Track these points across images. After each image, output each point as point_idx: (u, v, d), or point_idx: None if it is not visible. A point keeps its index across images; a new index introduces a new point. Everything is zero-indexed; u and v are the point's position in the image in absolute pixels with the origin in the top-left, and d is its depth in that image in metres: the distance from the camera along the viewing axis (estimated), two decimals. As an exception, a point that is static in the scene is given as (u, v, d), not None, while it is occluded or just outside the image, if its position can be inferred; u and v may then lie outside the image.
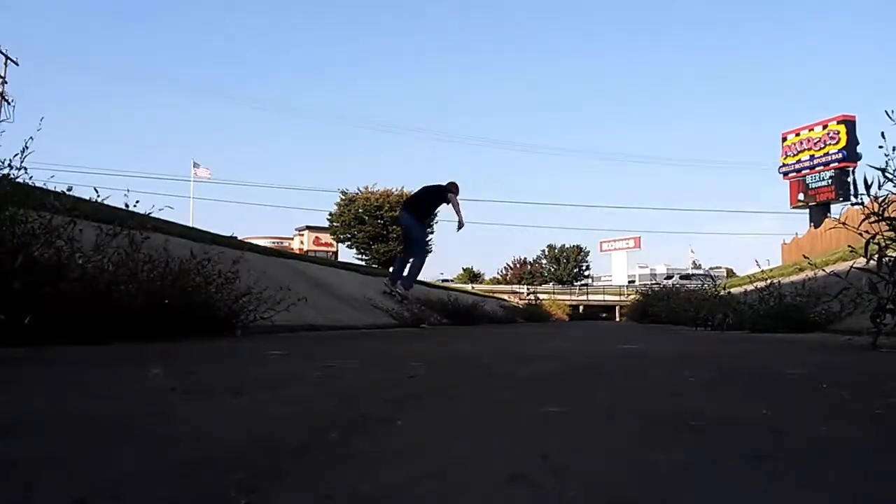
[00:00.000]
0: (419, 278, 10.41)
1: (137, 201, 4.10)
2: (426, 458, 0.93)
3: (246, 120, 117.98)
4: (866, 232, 3.19)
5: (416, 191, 9.45)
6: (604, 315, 45.35)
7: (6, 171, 3.12)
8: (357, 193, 35.06)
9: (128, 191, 4.04)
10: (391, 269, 9.87)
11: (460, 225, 8.86)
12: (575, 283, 58.68)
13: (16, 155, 3.19)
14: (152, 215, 4.15)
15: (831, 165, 34.43)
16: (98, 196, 3.83)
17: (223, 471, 0.84)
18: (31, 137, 3.25)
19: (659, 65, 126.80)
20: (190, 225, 9.53)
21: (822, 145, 35.11)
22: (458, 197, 8.95)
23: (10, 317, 2.49)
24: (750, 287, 7.94)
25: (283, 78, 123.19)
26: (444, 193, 8.91)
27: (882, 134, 3.17)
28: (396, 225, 9.80)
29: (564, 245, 65.61)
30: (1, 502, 0.71)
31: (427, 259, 9.50)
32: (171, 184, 79.44)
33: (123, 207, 4.08)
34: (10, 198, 2.94)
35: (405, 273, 8.90)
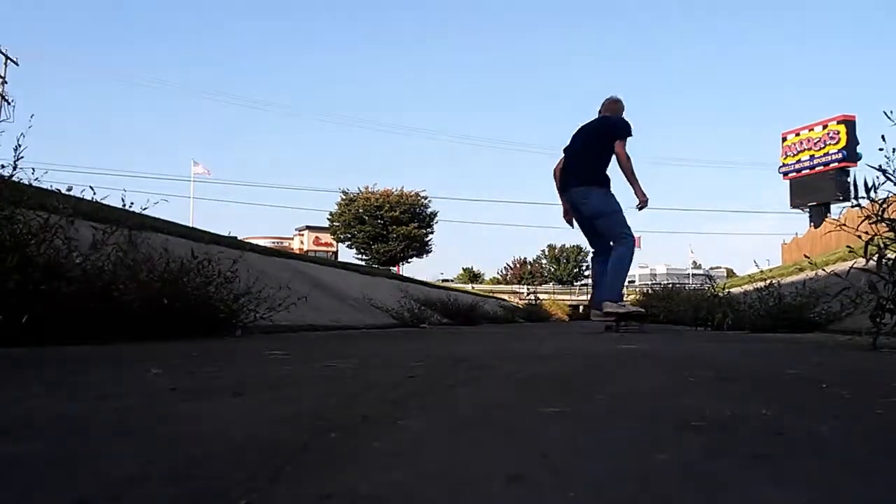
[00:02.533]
0: (423, 279, 10.11)
1: (132, 202, 4.10)
2: (426, 458, 0.93)
3: (246, 120, 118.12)
4: (865, 233, 3.19)
5: (570, 144, 5.88)
6: (604, 315, 45.25)
7: (3, 170, 3.12)
8: (357, 193, 35.11)
9: (124, 191, 4.04)
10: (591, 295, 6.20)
11: (642, 203, 5.68)
12: (575, 283, 58.67)
13: (18, 157, 3.20)
14: (150, 214, 4.16)
15: (831, 165, 34.45)
16: (94, 195, 3.83)
17: (223, 471, 0.84)
18: (22, 134, 3.25)
19: (658, 65, 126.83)
20: (190, 225, 9.54)
21: (822, 145, 35.14)
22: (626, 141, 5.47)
23: (8, 317, 2.49)
24: (750, 287, 7.94)
25: (284, 78, 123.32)
26: (612, 132, 5.55)
27: (882, 137, 3.17)
28: (568, 218, 5.88)
29: (564, 245, 65.63)
30: (1, 502, 0.71)
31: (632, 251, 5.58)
32: (171, 184, 79.65)
33: (121, 207, 4.08)
34: (8, 197, 2.94)
35: (607, 277, 5.53)
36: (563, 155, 6.02)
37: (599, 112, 6.06)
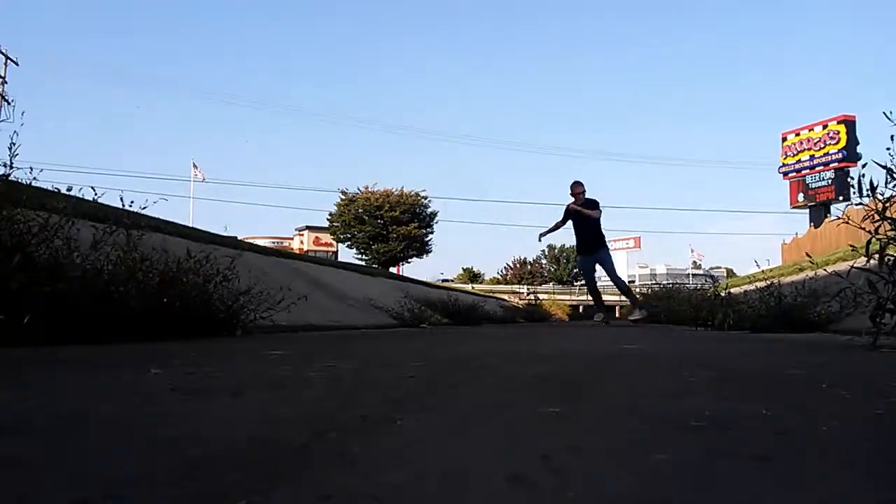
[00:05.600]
0: (423, 279, 10.85)
1: (132, 201, 4.09)
2: (426, 459, 0.93)
3: (246, 120, 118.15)
4: (868, 231, 3.19)
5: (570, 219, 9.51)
6: (603, 315, 45.29)
7: (2, 170, 3.11)
8: (357, 193, 35.07)
9: (122, 192, 4.03)
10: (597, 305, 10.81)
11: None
12: (575, 283, 58.60)
13: (15, 155, 3.18)
14: (150, 214, 4.15)
15: (831, 165, 34.44)
16: (96, 195, 3.82)
17: (223, 471, 0.84)
18: (15, 132, 3.22)
19: (659, 65, 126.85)
20: (190, 225, 9.53)
21: (822, 145, 35.12)
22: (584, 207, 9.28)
23: (9, 317, 2.48)
24: (750, 287, 7.93)
25: (284, 78, 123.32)
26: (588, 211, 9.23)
27: (892, 137, 3.15)
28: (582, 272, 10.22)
29: (564, 245, 65.56)
30: (1, 502, 0.71)
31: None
32: (171, 184, 79.75)
33: (121, 206, 4.07)
34: (8, 197, 2.94)
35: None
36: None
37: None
